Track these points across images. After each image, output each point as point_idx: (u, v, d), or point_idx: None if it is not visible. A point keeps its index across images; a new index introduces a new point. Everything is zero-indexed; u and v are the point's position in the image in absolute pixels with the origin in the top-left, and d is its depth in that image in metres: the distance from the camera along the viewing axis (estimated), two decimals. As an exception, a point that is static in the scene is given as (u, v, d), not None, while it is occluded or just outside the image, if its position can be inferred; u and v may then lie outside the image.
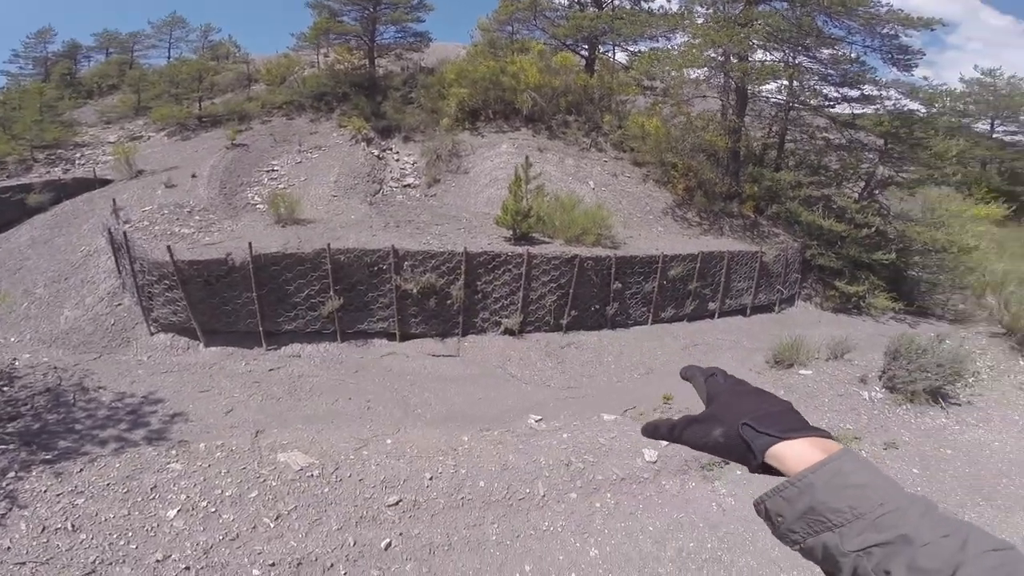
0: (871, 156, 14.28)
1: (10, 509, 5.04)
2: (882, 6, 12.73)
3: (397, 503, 4.95)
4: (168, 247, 8.44)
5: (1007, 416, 8.18)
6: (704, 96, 16.83)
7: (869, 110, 14.38)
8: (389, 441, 5.88)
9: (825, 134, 15.18)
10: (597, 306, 10.14)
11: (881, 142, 13.89)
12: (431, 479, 5.23)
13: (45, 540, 4.69)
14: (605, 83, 17.16)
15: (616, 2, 19.11)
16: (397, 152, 15.75)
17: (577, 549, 4.63)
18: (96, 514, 4.91)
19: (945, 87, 16.02)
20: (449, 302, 9.27)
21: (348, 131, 15.90)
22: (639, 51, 17.82)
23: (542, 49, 18.04)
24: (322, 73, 19.00)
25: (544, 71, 16.12)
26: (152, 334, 9.01)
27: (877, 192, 14.22)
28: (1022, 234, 20.35)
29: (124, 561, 4.53)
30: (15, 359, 8.28)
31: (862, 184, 14.37)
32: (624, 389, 8.28)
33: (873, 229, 12.72)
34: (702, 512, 5.08)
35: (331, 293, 8.76)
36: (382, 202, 13.27)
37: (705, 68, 14.58)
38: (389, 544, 4.55)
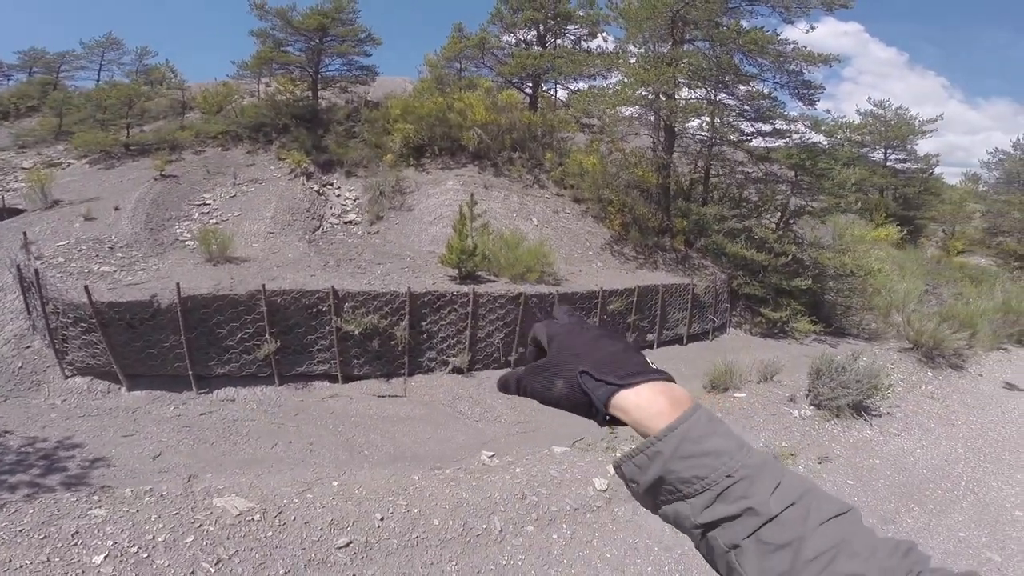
0: (784, 188, 15.55)
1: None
2: (789, 44, 14.06)
3: (347, 545, 4.76)
4: (86, 287, 7.87)
5: (923, 424, 9.01)
6: (637, 133, 17.87)
7: (780, 143, 15.50)
8: (335, 483, 5.65)
9: (744, 168, 16.41)
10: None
11: (792, 174, 15.16)
12: (382, 519, 5.07)
13: (-53, 595, 4.17)
14: (547, 120, 17.87)
15: (558, 41, 20.08)
16: (339, 187, 15.51)
17: (534, 584, 4.61)
18: (9, 560, 4.49)
19: (844, 119, 17.76)
20: (393, 343, 9.11)
21: (287, 164, 15.52)
22: (578, 89, 18.74)
23: (489, 86, 18.57)
24: (262, 103, 18.54)
25: (491, 108, 16.57)
26: (67, 377, 8.28)
27: (792, 222, 15.49)
28: (918, 255, 22.74)
29: (41, 617, 4.05)
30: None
31: (778, 215, 15.62)
32: (573, 421, 8.30)
33: (790, 257, 13.79)
34: (656, 536, 5.20)
35: (267, 336, 8.41)
36: (322, 240, 12.98)
37: (637, 106, 15.53)
38: (340, 591, 4.35)
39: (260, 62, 18.35)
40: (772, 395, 9.09)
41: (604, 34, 19.67)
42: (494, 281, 10.43)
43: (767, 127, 15.37)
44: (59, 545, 4.63)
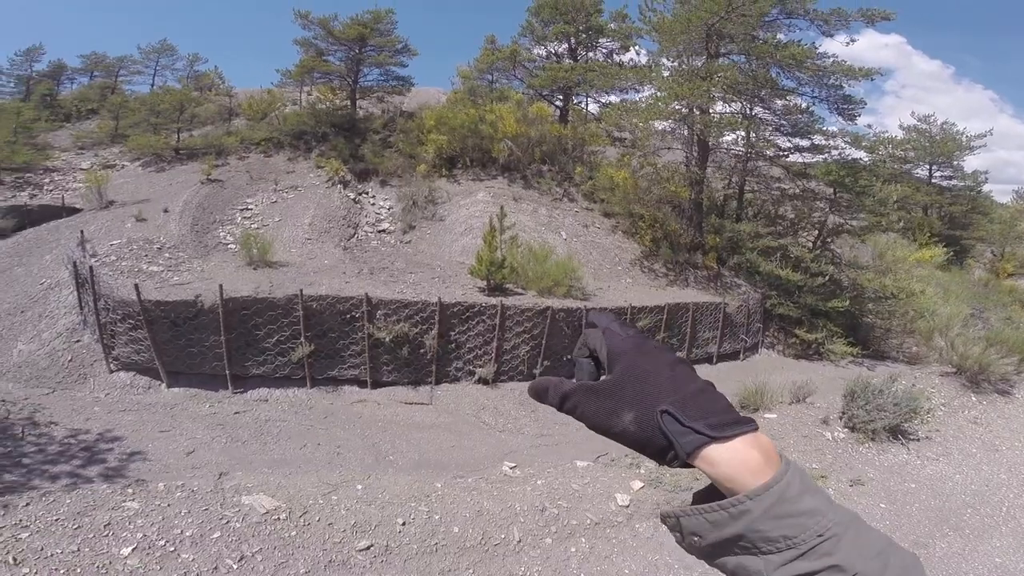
0: (822, 205, 15.12)
1: (-55, 541, 4.64)
2: (828, 58, 13.77)
3: (368, 548, 4.86)
4: (136, 286, 8.31)
5: (965, 449, 8.61)
6: (670, 148, 17.73)
7: (819, 159, 15.13)
8: (360, 487, 5.77)
9: (780, 184, 16.04)
10: (569, 356, 10.30)
11: (830, 191, 14.69)
12: (404, 524, 5.16)
13: (-19, 572, 4.38)
14: (578, 134, 17.93)
15: (590, 55, 20.16)
16: (373, 196, 15.91)
17: (552, 597, 4.61)
18: (41, 549, 4.66)
19: (886, 134, 17.15)
20: (422, 351, 9.30)
21: (325, 172, 16.03)
22: (610, 102, 18.75)
23: (520, 98, 18.80)
24: (303, 112, 19.23)
25: (521, 120, 16.76)
26: (112, 372, 8.71)
27: (829, 240, 15.06)
28: (964, 277, 21.71)
29: (71, 598, 4.22)
30: (-42, 391, 7.86)
31: (815, 233, 15.21)
32: (596, 437, 8.38)
33: (827, 278, 13.41)
34: (677, 554, 5.13)
35: (302, 339, 8.70)
36: (356, 247, 13.32)
37: (670, 120, 15.43)
38: (360, 593, 4.44)
39: (303, 71, 19.07)
40: (805, 417, 8.84)
41: (637, 47, 19.73)
42: (522, 294, 10.51)
43: (805, 142, 15.06)
44: (91, 535, 4.81)
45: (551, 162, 17.19)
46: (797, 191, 15.69)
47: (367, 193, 16.01)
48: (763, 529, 0.53)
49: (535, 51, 20.55)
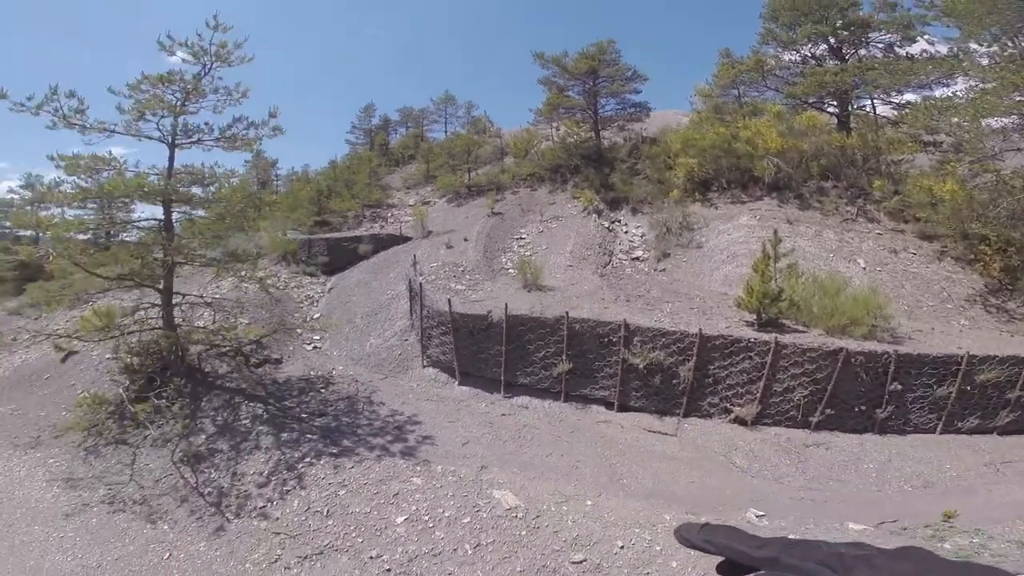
0: None
1: (294, 487, 6.46)
2: None
3: (581, 561, 5.06)
4: (449, 300, 10.53)
5: None
6: (1018, 149, 13.53)
7: None
8: (589, 502, 6.03)
9: None
10: (863, 407, 8.80)
11: None
12: (621, 547, 5.21)
13: (304, 518, 5.74)
14: (868, 142, 15.24)
15: (862, 52, 16.98)
16: (626, 224, 16.38)
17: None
18: (348, 506, 5.83)
19: None
20: (675, 381, 9.21)
21: (580, 203, 17.14)
22: (909, 102, 15.42)
23: (780, 110, 17.04)
24: (556, 146, 21.13)
25: (785, 134, 15.17)
26: (424, 367, 11.16)
27: None
28: None
29: (347, 551, 5.40)
30: (334, 369, 11.03)
31: None
32: (885, 500, 7.06)
33: None
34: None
35: (563, 357, 9.65)
36: (612, 274, 13.86)
37: (1014, 115, 11.87)
38: (562, 597, 4.65)
39: (550, 107, 21.03)
40: None
41: (927, 36, 15.66)
42: (803, 331, 9.43)
43: None
44: (382, 502, 5.88)
45: (835, 177, 15.00)
46: None
47: (619, 221, 16.60)
48: None
49: (785, 57, 18.27)
